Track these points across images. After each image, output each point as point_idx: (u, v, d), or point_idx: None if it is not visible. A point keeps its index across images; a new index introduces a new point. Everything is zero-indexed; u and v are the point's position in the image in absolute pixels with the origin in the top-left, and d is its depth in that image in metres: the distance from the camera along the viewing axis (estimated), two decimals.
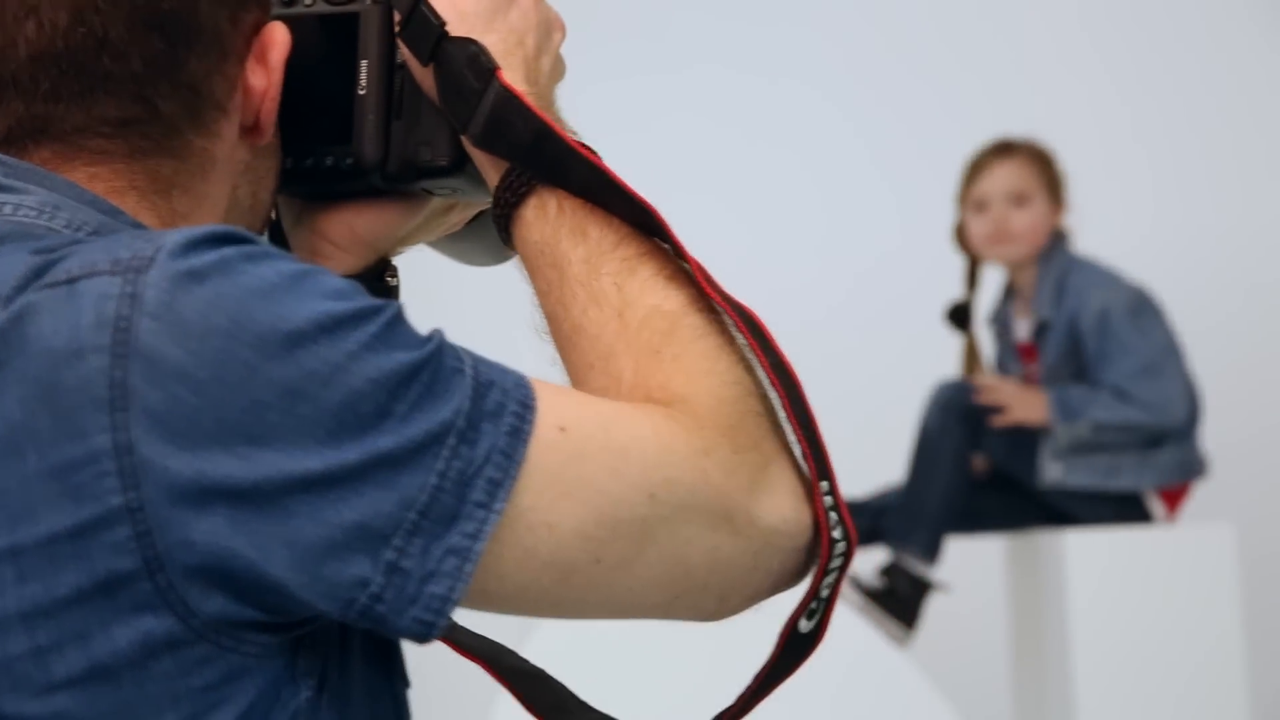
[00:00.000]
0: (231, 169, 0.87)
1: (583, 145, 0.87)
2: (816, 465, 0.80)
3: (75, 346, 0.71)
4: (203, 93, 0.84)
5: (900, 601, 3.10)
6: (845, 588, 3.10)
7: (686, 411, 0.79)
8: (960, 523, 3.19)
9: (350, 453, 0.72)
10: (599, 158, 0.86)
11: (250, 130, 0.87)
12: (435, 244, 1.07)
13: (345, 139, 0.95)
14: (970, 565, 3.31)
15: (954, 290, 3.39)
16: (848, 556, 0.82)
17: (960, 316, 3.38)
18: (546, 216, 0.86)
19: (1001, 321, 3.38)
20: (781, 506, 0.79)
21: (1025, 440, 3.16)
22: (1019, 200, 3.27)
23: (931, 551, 3.13)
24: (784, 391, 0.81)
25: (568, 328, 0.85)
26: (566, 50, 0.96)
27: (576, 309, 0.85)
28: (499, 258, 1.02)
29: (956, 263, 3.39)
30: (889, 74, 4.24)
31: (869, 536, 3.21)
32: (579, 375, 0.85)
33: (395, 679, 0.82)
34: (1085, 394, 3.13)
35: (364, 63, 0.95)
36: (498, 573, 0.75)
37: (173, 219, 0.84)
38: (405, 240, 1.00)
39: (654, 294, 0.83)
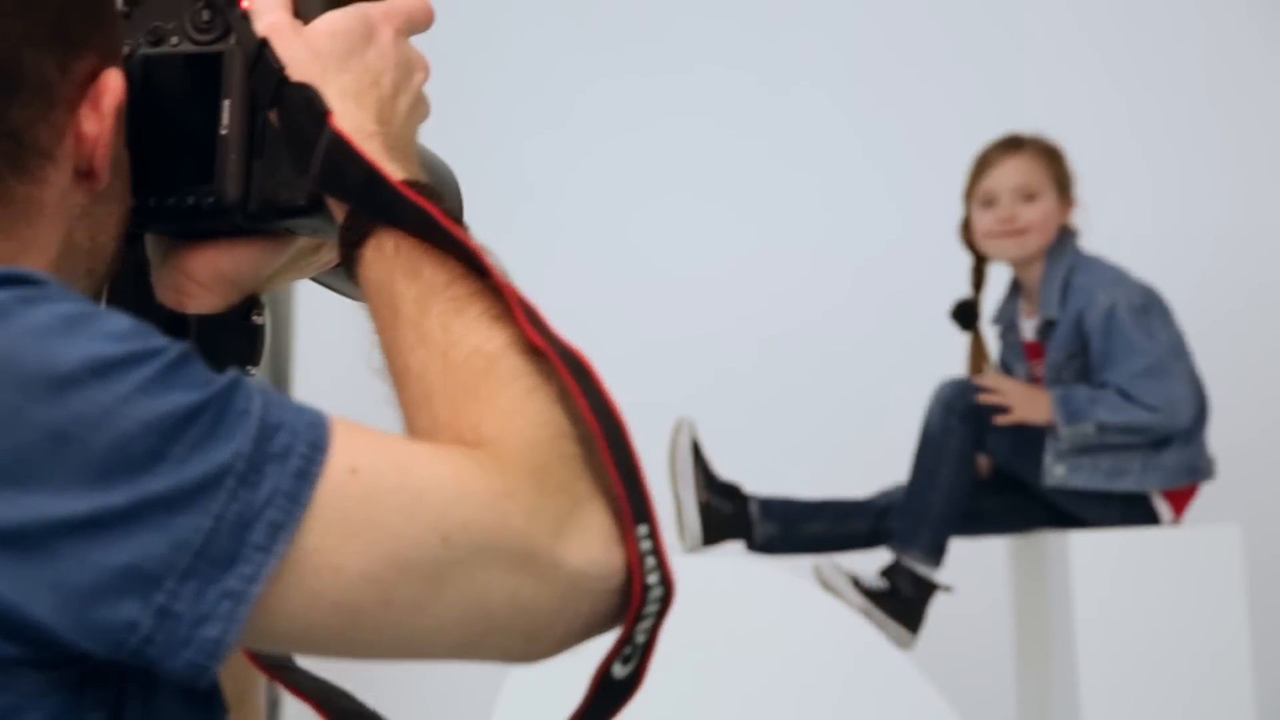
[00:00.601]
0: (65, 214, 0.88)
1: (412, 186, 0.87)
2: (634, 508, 0.80)
3: None
4: (25, 140, 0.85)
5: (904, 603, 3.08)
6: (849, 590, 3.09)
7: (493, 453, 0.79)
8: (964, 524, 3.16)
9: (119, 495, 0.72)
10: (427, 199, 0.87)
11: (86, 176, 0.88)
12: (320, 280, 1.08)
13: (208, 178, 0.96)
14: (974, 566, 3.28)
15: (957, 288, 3.36)
16: (665, 602, 0.81)
17: (966, 315, 3.35)
18: (383, 256, 0.87)
19: (1007, 320, 3.35)
20: (589, 549, 0.79)
21: (1029, 441, 3.13)
22: (1027, 196, 3.23)
23: (936, 554, 3.10)
24: (603, 434, 0.81)
25: (399, 367, 0.86)
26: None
27: (406, 348, 0.85)
28: None
29: (959, 260, 3.36)
30: (889, 72, 4.22)
31: (872, 538, 3.19)
32: (408, 415, 0.85)
33: (215, 706, 0.82)
34: (1090, 394, 3.10)
35: (226, 103, 0.97)
36: (284, 614, 0.75)
37: None
38: (273, 279, 1.02)
39: (477, 334, 0.84)
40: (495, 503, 0.77)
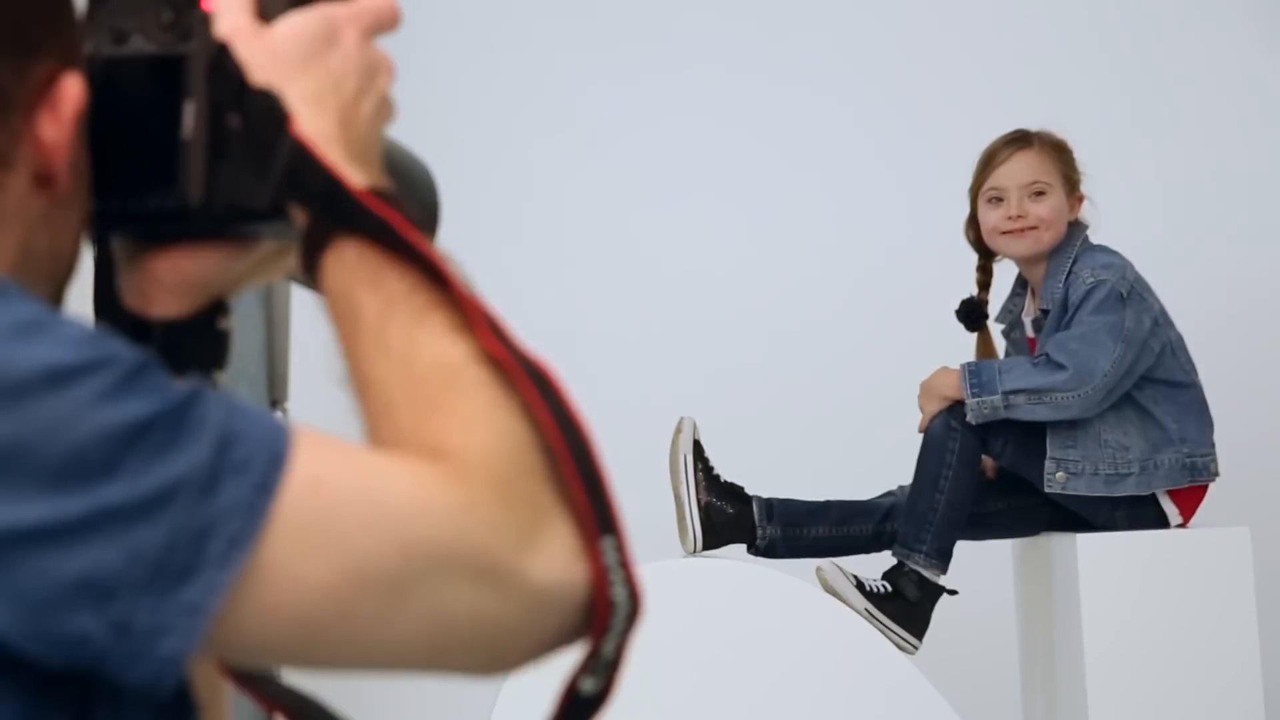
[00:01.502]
0: (23, 220, 0.86)
1: (374, 193, 0.86)
2: (598, 521, 0.79)
3: None
4: None
5: (908, 607, 3.05)
6: (852, 593, 3.06)
7: (457, 466, 0.78)
8: (971, 528, 3.13)
9: (74, 505, 0.71)
10: (389, 205, 0.85)
11: (45, 182, 0.87)
12: (296, 280, 1.06)
13: (171, 181, 0.95)
14: (979, 567, 3.26)
15: (964, 288, 3.34)
16: (633, 616, 0.80)
17: (972, 314, 3.32)
18: (344, 265, 0.86)
19: (1011, 318, 3.32)
20: (553, 563, 0.78)
21: (1033, 444, 3.10)
22: (1036, 192, 3.19)
23: (941, 558, 3.07)
24: (566, 446, 0.80)
25: (361, 377, 0.85)
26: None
27: (367, 359, 0.84)
28: None
29: (965, 260, 3.34)
30: (896, 71, 4.20)
31: (875, 541, 3.17)
32: (370, 426, 0.84)
33: (186, 708, 0.81)
34: (1001, 365, 3.07)
35: (189, 105, 0.95)
36: (243, 626, 0.74)
37: None
38: (240, 282, 1.00)
39: (439, 345, 0.82)
40: (457, 516, 0.76)
